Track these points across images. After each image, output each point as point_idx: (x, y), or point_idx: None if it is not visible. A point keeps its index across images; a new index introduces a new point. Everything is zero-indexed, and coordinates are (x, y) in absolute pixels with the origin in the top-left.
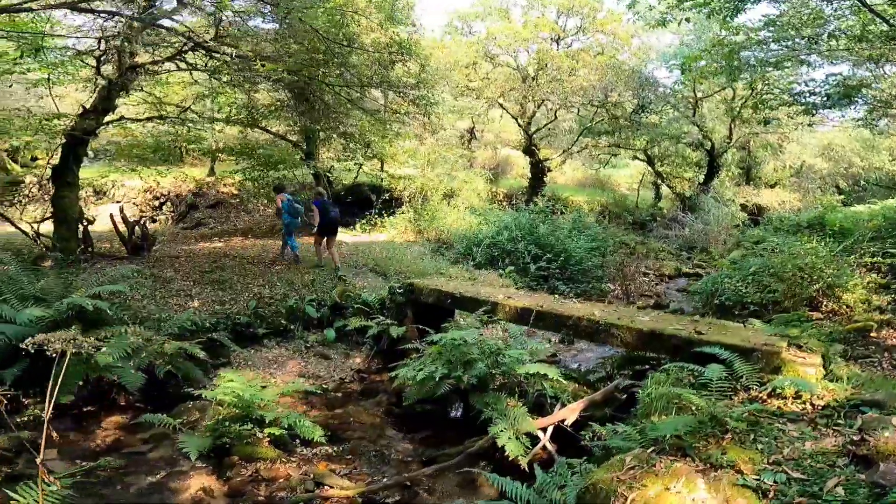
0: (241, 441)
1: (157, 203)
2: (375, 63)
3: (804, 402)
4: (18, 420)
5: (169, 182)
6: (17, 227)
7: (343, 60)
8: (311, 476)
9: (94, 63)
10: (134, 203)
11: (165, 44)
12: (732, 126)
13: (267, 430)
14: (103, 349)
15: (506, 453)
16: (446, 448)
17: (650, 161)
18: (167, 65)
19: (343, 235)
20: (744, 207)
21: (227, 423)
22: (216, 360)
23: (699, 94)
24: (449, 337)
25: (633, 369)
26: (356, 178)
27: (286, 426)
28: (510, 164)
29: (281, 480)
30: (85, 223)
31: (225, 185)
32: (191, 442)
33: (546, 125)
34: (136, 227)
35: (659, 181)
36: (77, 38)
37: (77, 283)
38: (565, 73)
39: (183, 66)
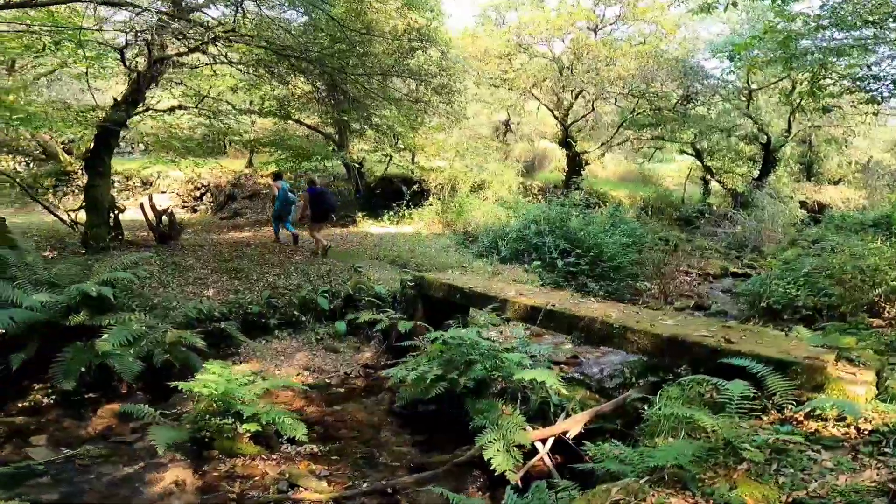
0: (221, 435)
1: (198, 193)
2: (396, 51)
3: (848, 426)
4: (20, 405)
5: (209, 173)
6: (54, 215)
7: (364, 50)
8: (287, 476)
9: (128, 55)
10: (177, 193)
11: (197, 37)
12: (791, 119)
13: (244, 426)
14: (104, 336)
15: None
16: (443, 453)
17: (698, 155)
18: (194, 57)
19: (370, 227)
20: (803, 205)
21: (207, 417)
22: (226, 350)
23: (753, 86)
24: (448, 335)
25: (658, 377)
26: (386, 169)
27: (265, 422)
28: (547, 157)
29: (256, 478)
30: (116, 211)
31: (262, 176)
32: (161, 434)
33: (583, 116)
34: (164, 216)
35: (708, 176)
36: (106, 31)
37: (98, 268)
38: (602, 63)
39: (207, 58)
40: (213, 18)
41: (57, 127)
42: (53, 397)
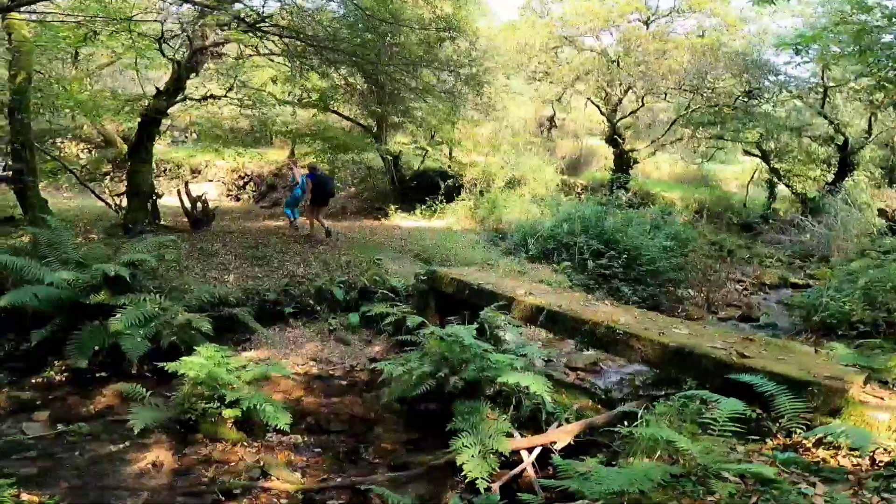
0: (205, 419)
1: (241, 183)
2: (424, 41)
3: (862, 457)
4: (33, 380)
5: (252, 163)
6: (101, 199)
7: (394, 40)
8: (262, 464)
9: (170, 45)
10: (223, 182)
11: (233, 25)
12: (872, 120)
13: (226, 412)
14: (117, 315)
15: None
16: (432, 454)
17: (765, 156)
18: (231, 47)
19: (402, 220)
20: (883, 213)
21: (193, 399)
22: (240, 336)
23: (830, 83)
24: (445, 332)
25: (675, 390)
26: (422, 162)
27: (246, 408)
28: (594, 155)
29: (232, 464)
30: (154, 197)
31: (302, 167)
32: (141, 414)
33: (632, 112)
34: (198, 203)
35: (775, 179)
36: (154, 22)
37: (126, 250)
38: (652, 56)
39: (243, 48)
40: (248, 8)
41: (105, 115)
42: (66, 374)
